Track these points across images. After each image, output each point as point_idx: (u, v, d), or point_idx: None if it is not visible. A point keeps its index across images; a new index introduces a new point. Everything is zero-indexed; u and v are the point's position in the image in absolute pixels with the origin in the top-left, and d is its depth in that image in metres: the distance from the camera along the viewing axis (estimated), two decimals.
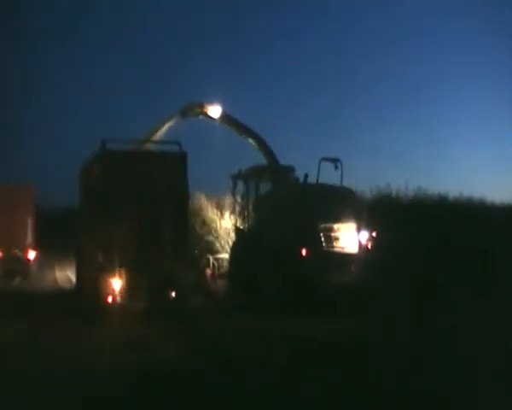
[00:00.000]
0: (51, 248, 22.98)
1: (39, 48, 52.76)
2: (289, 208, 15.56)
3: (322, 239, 14.70)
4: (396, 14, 51.60)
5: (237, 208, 18.25)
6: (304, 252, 14.52)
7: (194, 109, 19.37)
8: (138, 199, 13.45)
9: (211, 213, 20.60)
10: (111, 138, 13.95)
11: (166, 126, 19.10)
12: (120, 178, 13.48)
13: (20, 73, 46.72)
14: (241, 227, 17.72)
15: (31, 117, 46.42)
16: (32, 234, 21.72)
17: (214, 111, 18.96)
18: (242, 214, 17.93)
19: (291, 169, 17.44)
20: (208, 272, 17.96)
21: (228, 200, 19.71)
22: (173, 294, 13.58)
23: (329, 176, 15.72)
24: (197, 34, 52.63)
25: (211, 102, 19.02)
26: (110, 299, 13.10)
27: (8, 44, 41.74)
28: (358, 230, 15.09)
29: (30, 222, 21.74)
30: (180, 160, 13.99)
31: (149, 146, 16.96)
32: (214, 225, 20.36)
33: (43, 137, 40.61)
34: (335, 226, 14.88)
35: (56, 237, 22.05)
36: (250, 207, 17.42)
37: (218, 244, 19.95)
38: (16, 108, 43.04)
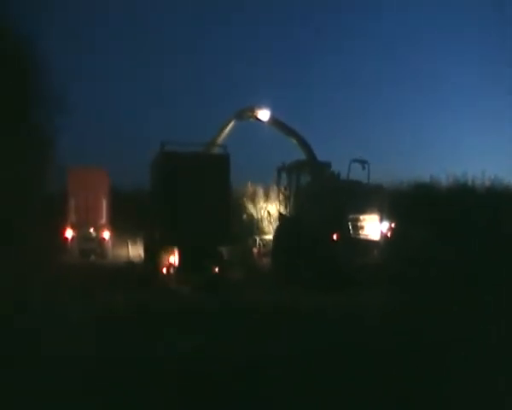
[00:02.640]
0: (126, 226, 23.40)
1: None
2: (324, 200, 17.62)
3: (350, 227, 16.90)
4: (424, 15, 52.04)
5: (281, 197, 20.25)
6: (335, 237, 16.71)
7: (246, 113, 20.68)
8: (190, 191, 15.49)
9: (259, 200, 22.95)
10: (169, 141, 16.13)
11: (228, 129, 20.74)
12: (175, 174, 15.62)
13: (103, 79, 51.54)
14: (284, 213, 19.81)
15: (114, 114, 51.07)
16: (106, 215, 22.64)
17: (263, 115, 20.21)
18: (285, 202, 19.93)
19: (327, 164, 19.26)
20: (255, 250, 20.41)
21: (274, 189, 21.61)
22: (216, 269, 15.88)
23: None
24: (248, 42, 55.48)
25: (260, 107, 20.23)
26: (165, 270, 15.67)
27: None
28: (381, 221, 17.18)
29: (105, 203, 22.65)
30: (224, 160, 16.22)
31: (202, 148, 18.54)
32: (262, 210, 22.75)
33: (123, 131, 44.83)
34: (361, 217, 17.06)
35: (130, 216, 22.51)
36: (292, 196, 19.36)
37: (264, 227, 22.38)
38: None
